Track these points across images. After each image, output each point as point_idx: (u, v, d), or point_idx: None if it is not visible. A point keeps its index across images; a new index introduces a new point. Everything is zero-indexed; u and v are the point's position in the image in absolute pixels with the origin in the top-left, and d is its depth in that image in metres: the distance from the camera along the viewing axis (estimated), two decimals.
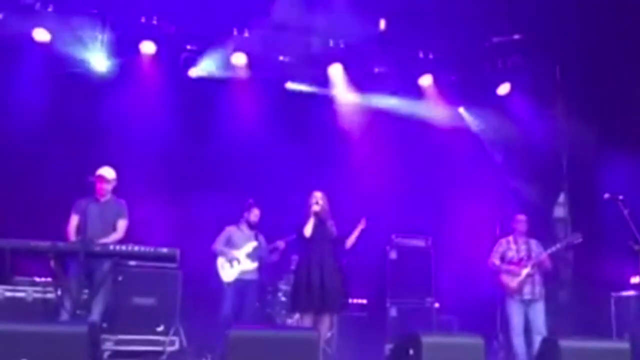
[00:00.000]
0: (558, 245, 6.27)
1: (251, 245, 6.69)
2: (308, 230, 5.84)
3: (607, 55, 7.02)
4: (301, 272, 5.81)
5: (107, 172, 5.84)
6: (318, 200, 5.93)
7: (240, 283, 6.56)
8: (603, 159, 7.14)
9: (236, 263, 6.63)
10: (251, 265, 6.65)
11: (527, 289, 6.21)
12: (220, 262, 6.65)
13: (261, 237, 6.83)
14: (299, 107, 8.32)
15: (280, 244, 6.88)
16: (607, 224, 6.12)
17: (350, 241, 6.04)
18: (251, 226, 6.77)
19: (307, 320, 5.75)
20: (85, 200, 5.74)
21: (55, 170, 7.11)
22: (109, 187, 5.83)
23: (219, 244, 6.70)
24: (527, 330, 6.23)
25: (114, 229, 5.81)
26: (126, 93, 7.61)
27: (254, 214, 6.78)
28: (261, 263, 6.76)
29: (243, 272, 6.60)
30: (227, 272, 6.61)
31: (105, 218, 5.76)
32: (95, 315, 5.46)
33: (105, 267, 5.36)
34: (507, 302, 6.27)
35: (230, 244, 6.70)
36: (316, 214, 5.87)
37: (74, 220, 5.77)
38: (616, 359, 4.53)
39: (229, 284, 6.56)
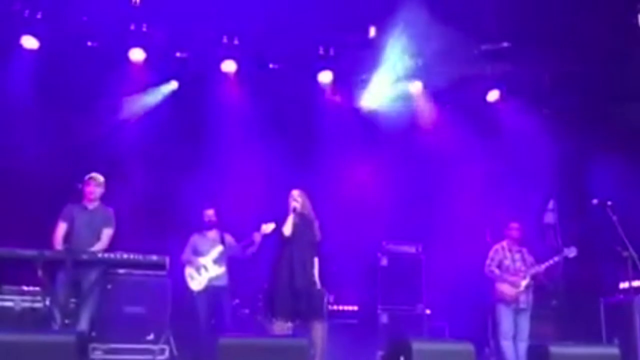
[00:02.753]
0: (556, 259, 6.42)
1: (217, 250, 6.64)
2: (287, 229, 5.58)
3: (596, 63, 7.08)
4: (282, 274, 5.56)
5: (96, 177, 5.78)
6: (296, 198, 5.72)
7: (211, 290, 6.52)
8: (592, 165, 7.18)
9: (204, 270, 6.58)
10: (219, 270, 6.61)
11: (523, 299, 6.37)
12: (188, 271, 6.61)
13: (228, 237, 6.77)
14: (290, 113, 8.33)
15: (257, 236, 6.56)
16: (596, 229, 6.15)
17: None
18: (211, 228, 6.73)
19: (286, 327, 5.45)
20: (73, 207, 5.68)
21: (42, 177, 7.07)
22: (98, 191, 5.76)
23: (185, 254, 6.67)
24: (516, 338, 6.32)
25: (98, 237, 5.74)
26: (115, 101, 7.60)
27: (206, 215, 6.75)
28: (231, 263, 6.66)
29: (212, 279, 6.56)
30: (196, 280, 6.56)
31: (93, 226, 5.70)
32: (83, 324, 5.41)
33: (92, 276, 5.32)
34: (499, 308, 6.37)
35: (196, 252, 6.66)
36: (295, 211, 5.64)
37: (62, 228, 5.70)
38: None
39: (199, 292, 6.52)
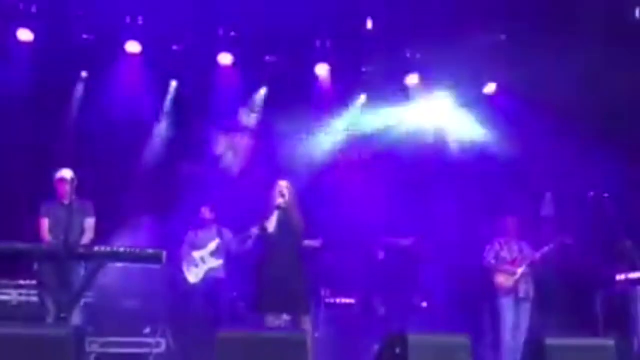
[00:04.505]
0: (551, 246, 6.43)
1: (215, 243, 6.68)
2: (272, 226, 5.45)
3: (593, 56, 7.06)
4: (265, 269, 5.48)
5: (66, 174, 5.73)
6: (283, 190, 5.54)
7: (209, 281, 6.57)
8: (589, 157, 7.18)
9: (201, 262, 6.63)
10: (217, 263, 6.67)
11: (522, 288, 6.39)
12: (185, 265, 6.65)
13: (226, 231, 6.79)
14: (287, 107, 8.31)
15: (255, 230, 6.46)
16: (593, 222, 6.16)
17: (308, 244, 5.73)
18: (208, 224, 6.74)
19: (271, 321, 5.38)
20: (50, 203, 5.71)
21: (39, 171, 7.03)
22: (70, 188, 5.71)
23: (183, 250, 6.71)
24: (518, 330, 6.35)
25: (82, 229, 5.73)
26: (106, 94, 7.57)
27: (203, 213, 6.78)
28: (230, 257, 6.69)
29: (209, 271, 6.61)
30: (194, 272, 6.61)
31: (73, 220, 5.59)
32: (76, 318, 5.40)
33: (81, 270, 5.33)
34: (500, 301, 6.39)
35: (194, 246, 6.71)
36: (279, 208, 5.50)
37: (45, 223, 5.69)
38: (602, 357, 4.55)
39: (196, 284, 6.56)
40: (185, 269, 6.66)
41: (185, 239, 6.81)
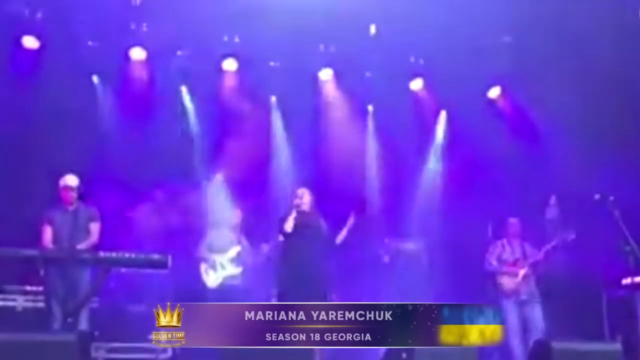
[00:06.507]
0: (553, 243, 6.38)
1: (235, 250, 6.63)
2: (289, 225, 5.56)
3: (596, 57, 7.06)
4: (283, 270, 5.59)
5: (71, 180, 5.76)
6: (301, 196, 5.68)
7: (225, 288, 6.52)
8: (594, 160, 7.17)
9: (220, 268, 6.57)
10: (236, 270, 6.60)
11: (523, 290, 6.31)
12: (204, 267, 6.60)
13: (244, 240, 6.76)
14: (290, 109, 8.33)
15: (265, 247, 6.66)
16: (598, 224, 6.14)
17: (341, 236, 5.79)
18: (232, 228, 6.71)
19: None
20: (54, 210, 5.72)
21: (43, 175, 7.07)
22: (74, 194, 5.75)
23: (201, 250, 6.65)
24: (526, 331, 6.27)
25: (86, 234, 5.74)
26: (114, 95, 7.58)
27: (235, 215, 6.74)
28: (246, 267, 6.66)
29: (227, 277, 6.55)
30: (212, 277, 6.55)
31: (77, 225, 5.65)
32: (83, 323, 5.42)
33: (87, 275, 5.34)
34: (503, 303, 6.31)
35: (212, 249, 6.64)
36: (298, 208, 5.61)
37: (48, 231, 5.70)
38: None
39: (213, 289, 6.52)
40: (203, 271, 6.61)
41: (202, 240, 6.73)
